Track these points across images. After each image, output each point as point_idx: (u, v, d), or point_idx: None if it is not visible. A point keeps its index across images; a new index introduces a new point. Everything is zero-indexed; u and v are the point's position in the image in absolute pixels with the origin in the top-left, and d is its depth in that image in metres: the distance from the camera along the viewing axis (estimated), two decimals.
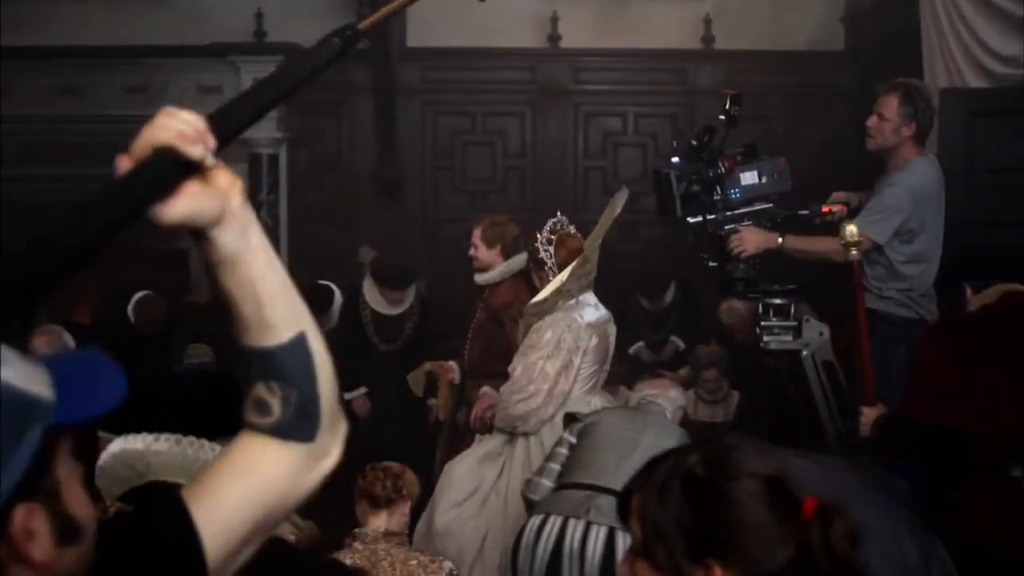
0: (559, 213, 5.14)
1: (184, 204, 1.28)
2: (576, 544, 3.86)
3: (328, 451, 1.45)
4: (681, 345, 7.67)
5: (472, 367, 5.84)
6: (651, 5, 9.16)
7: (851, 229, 4.21)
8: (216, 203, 1.30)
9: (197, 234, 1.32)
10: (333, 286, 7.04)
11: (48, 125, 8.89)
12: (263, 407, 1.38)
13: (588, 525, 3.88)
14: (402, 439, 6.15)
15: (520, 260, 5.64)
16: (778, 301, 4.88)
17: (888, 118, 4.92)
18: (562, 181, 9.25)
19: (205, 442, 1.90)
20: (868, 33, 8.51)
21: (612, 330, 5.10)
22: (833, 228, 5.01)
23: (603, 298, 5.18)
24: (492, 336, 5.70)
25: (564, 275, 4.85)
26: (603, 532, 3.87)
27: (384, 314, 6.86)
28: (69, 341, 6.19)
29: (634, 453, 4.19)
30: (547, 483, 4.29)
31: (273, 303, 1.36)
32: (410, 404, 6.52)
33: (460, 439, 5.60)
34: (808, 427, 5.04)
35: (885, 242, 4.91)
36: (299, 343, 1.38)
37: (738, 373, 6.89)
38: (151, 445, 1.88)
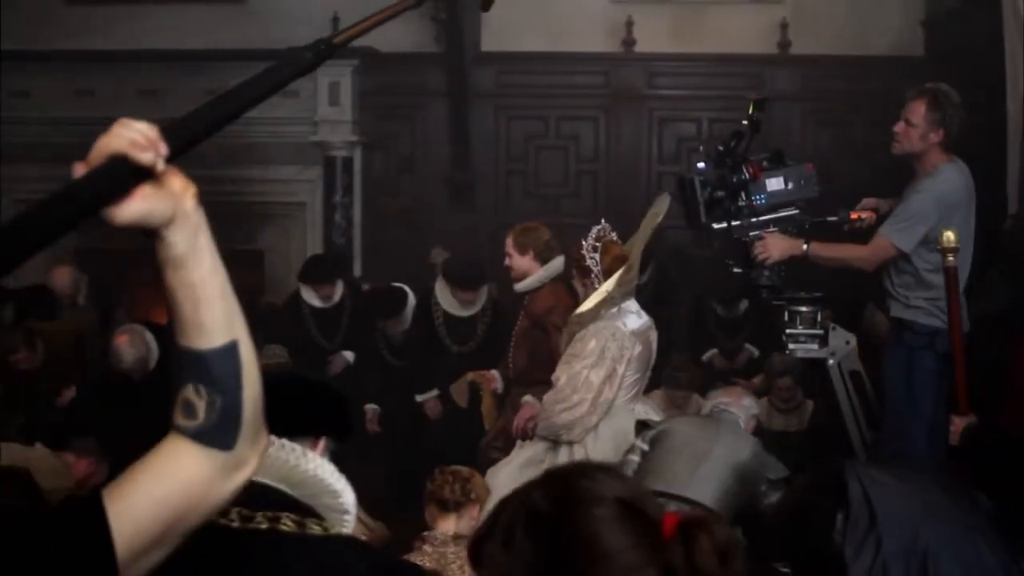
0: (603, 220, 5.08)
1: (136, 205, 1.34)
2: None
3: (245, 463, 1.47)
4: (755, 353, 7.58)
5: (516, 375, 5.83)
6: (727, 9, 9.10)
7: (948, 235, 4.11)
8: (168, 205, 1.36)
9: (150, 233, 1.38)
10: (406, 288, 7.08)
11: None
12: (189, 409, 1.42)
13: None
14: (473, 442, 6.15)
15: (557, 264, 5.62)
16: (804, 309, 4.84)
17: (915, 124, 4.83)
18: (635, 186, 9.22)
19: (286, 442, 1.92)
20: (949, 37, 8.37)
21: (654, 336, 5.03)
22: (860, 235, 4.95)
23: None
24: (535, 343, 5.69)
25: (611, 283, 4.80)
26: None
27: (456, 316, 6.87)
28: (150, 340, 6.27)
29: (706, 461, 4.15)
30: None
31: (211, 306, 1.41)
32: (480, 407, 6.53)
33: (507, 445, 5.59)
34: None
35: (911, 250, 4.81)
36: (231, 350, 1.43)
37: (812, 382, 6.80)
38: None
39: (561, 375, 4.81)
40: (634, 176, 9.29)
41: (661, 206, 4.99)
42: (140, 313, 8.28)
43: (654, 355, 5.05)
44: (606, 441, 4.79)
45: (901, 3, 8.92)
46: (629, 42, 9.08)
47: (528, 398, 5.36)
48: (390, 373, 7.06)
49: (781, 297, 4.86)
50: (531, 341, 5.74)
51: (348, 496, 1.94)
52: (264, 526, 1.82)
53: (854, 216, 4.93)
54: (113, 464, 5.34)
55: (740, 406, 4.61)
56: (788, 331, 4.85)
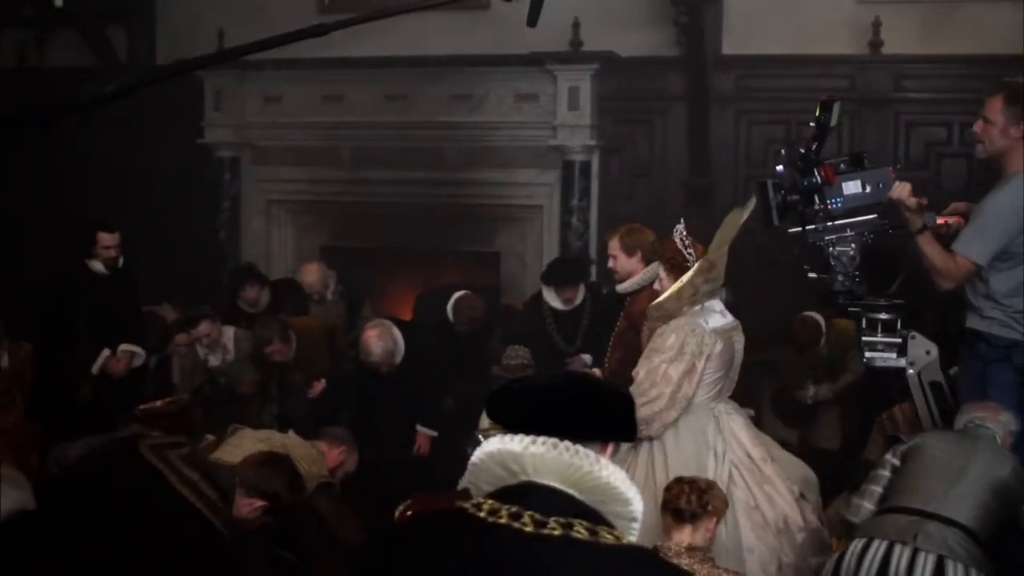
0: (682, 220, 5.06)
1: None
2: (902, 571, 3.74)
3: None
4: None
5: (612, 375, 5.76)
6: (981, 8, 8.68)
7: None
8: None
9: None
10: None
11: (377, 131, 9.42)
12: None
13: (915, 552, 3.76)
14: None
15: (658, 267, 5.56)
16: (884, 316, 4.70)
17: (993, 120, 4.64)
18: None
19: (580, 448, 1.90)
20: None
21: (739, 338, 4.96)
22: (949, 241, 4.75)
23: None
24: (631, 344, 5.59)
25: (687, 277, 4.78)
26: (932, 560, 3.73)
27: None
28: (398, 336, 6.49)
29: (963, 479, 4.02)
30: (868, 506, 4.17)
31: None
32: None
33: None
34: None
35: (986, 263, 4.64)
36: None
37: None
38: (528, 447, 1.89)
39: (640, 370, 4.80)
40: None
41: (748, 206, 4.92)
42: (385, 309, 8.58)
43: (738, 355, 4.97)
44: (687, 439, 4.75)
45: None
46: (876, 43, 8.77)
47: None
48: None
49: (858, 303, 4.73)
50: (627, 343, 5.69)
51: (637, 504, 1.92)
52: (557, 532, 1.81)
53: (941, 221, 4.77)
54: (363, 453, 5.57)
55: (997, 421, 4.40)
56: (865, 338, 4.73)
